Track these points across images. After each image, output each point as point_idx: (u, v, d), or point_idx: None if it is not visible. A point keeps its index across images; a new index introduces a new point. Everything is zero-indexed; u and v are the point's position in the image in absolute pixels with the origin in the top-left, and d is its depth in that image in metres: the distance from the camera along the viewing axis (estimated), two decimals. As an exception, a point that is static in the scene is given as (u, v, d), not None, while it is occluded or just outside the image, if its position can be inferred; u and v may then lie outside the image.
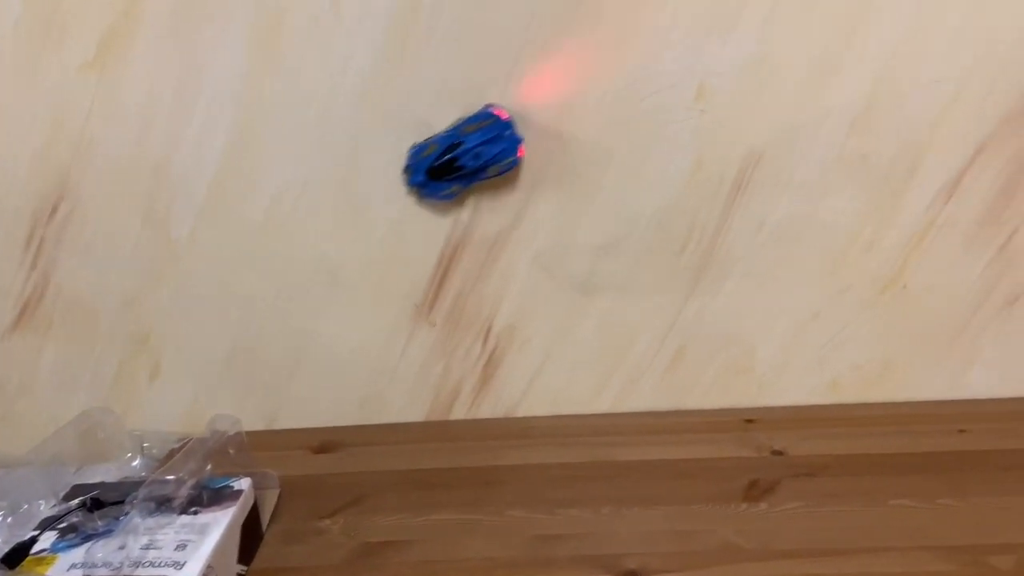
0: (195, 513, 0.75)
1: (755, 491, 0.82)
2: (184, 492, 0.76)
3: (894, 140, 0.85)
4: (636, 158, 0.88)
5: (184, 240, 0.92)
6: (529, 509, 0.83)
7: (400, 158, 0.88)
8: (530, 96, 0.85)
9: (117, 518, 0.75)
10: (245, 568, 0.76)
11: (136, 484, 0.79)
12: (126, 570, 0.68)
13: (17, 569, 0.70)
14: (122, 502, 0.77)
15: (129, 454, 0.95)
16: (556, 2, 0.80)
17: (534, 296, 0.95)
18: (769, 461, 0.88)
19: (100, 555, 0.69)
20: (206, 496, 0.78)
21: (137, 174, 0.90)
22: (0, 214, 0.91)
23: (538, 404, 1.01)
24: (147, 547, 0.71)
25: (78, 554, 0.71)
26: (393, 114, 0.86)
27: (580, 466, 0.90)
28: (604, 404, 1.01)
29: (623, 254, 0.93)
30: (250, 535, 0.78)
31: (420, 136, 0.86)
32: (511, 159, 0.85)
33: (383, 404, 1.01)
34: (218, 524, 0.73)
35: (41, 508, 0.81)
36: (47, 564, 0.70)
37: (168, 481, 0.78)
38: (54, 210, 0.91)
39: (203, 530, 0.72)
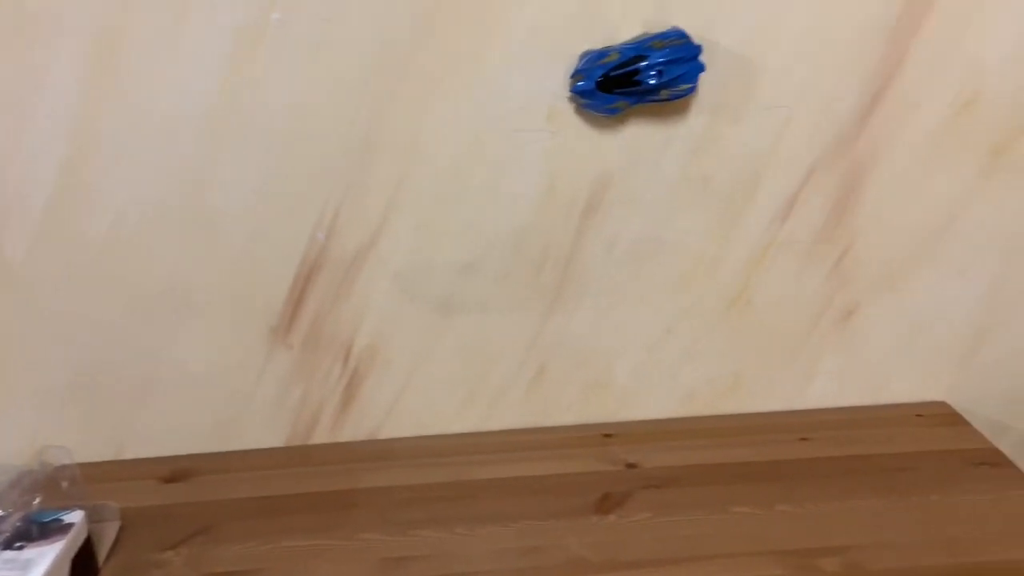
0: (20, 548, 0.71)
1: (606, 504, 0.84)
2: (8, 527, 0.72)
3: (733, 163, 0.89)
4: (491, 179, 0.89)
5: (20, 261, 0.88)
6: (382, 532, 0.82)
7: (251, 174, 0.86)
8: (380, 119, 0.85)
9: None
10: (76, 605, 0.72)
11: (-42, 520, 0.74)
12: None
13: None
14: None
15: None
16: (403, 25, 0.81)
17: (394, 317, 0.95)
18: (623, 474, 0.90)
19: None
20: (35, 530, 0.73)
21: (-34, 192, 0.85)
22: None
23: (401, 425, 1.01)
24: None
25: None
26: (242, 130, 0.84)
27: (439, 486, 0.90)
28: (468, 423, 1.01)
29: (482, 274, 0.93)
30: (83, 570, 0.74)
31: (278, 154, 0.85)
32: (688, 86, 0.83)
33: (239, 430, 0.98)
34: (44, 559, 0.69)
35: None
36: None
37: (-9, 516, 0.73)
38: None
39: (26, 566, 0.68)
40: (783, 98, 0.86)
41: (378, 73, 0.82)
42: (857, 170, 0.90)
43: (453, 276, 0.93)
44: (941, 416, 0.99)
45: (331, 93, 0.83)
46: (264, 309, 0.93)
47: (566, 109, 0.86)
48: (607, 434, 0.98)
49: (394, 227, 0.90)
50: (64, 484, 0.78)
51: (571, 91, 0.84)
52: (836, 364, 0.99)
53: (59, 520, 0.74)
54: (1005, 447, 0.96)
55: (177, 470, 0.95)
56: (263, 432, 0.98)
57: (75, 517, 0.75)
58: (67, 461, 0.80)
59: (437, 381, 0.98)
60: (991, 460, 0.90)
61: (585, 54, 0.84)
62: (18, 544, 0.71)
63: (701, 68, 0.82)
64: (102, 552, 0.78)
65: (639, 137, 0.88)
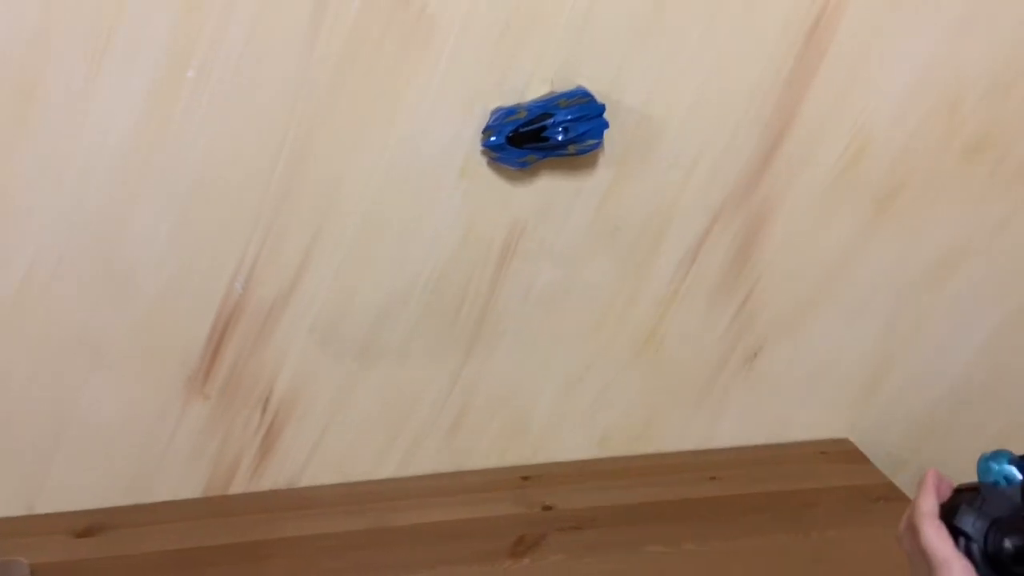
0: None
1: (521, 547, 0.86)
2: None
3: (640, 212, 0.93)
4: (408, 228, 0.91)
5: (-75, 316, 0.86)
6: (297, 582, 0.82)
7: (166, 226, 0.86)
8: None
9: None
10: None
11: None
12: None
13: None
14: None
15: None
16: (319, 79, 0.83)
17: (313, 364, 0.95)
18: (539, 517, 0.92)
19: None
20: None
21: None
22: None
23: (322, 472, 1.01)
24: None
25: None
26: (157, 182, 0.85)
27: (358, 534, 0.91)
28: (388, 469, 1.02)
29: (400, 321, 0.95)
30: (-14, 632, 0.72)
31: (194, 205, 0.86)
32: (594, 141, 0.86)
33: (154, 482, 0.97)
34: (-58, 623, 0.68)
35: None
36: None
37: None
38: None
39: (-77, 631, 0.67)
40: (685, 151, 0.91)
41: (294, 125, 0.84)
42: (757, 219, 0.95)
43: (371, 323, 0.94)
44: (843, 453, 1.04)
45: (247, 145, 0.84)
46: (180, 359, 0.93)
47: (480, 161, 0.89)
48: (525, 476, 1.00)
49: (312, 275, 0.91)
50: (-34, 543, 0.76)
51: (483, 145, 0.87)
52: (743, 404, 1.03)
53: (-39, 581, 0.73)
54: (903, 481, 1.02)
55: (91, 524, 0.93)
56: (179, 483, 0.98)
57: (-22, 577, 0.74)
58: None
59: (356, 428, 0.99)
60: (888, 495, 0.95)
61: (496, 111, 0.87)
62: (-85, 607, 0.70)
63: (605, 125, 0.86)
64: (8, 612, 0.77)
65: (550, 188, 0.91)
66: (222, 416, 0.96)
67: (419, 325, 0.95)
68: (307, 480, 1.01)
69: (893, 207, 0.96)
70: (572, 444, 1.03)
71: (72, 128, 0.81)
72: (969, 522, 0.55)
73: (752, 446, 1.04)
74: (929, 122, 0.92)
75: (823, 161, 0.93)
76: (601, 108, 0.86)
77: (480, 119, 0.87)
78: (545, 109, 0.85)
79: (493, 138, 0.86)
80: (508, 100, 0.86)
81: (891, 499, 0.94)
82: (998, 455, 0.58)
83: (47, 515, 0.96)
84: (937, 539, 0.53)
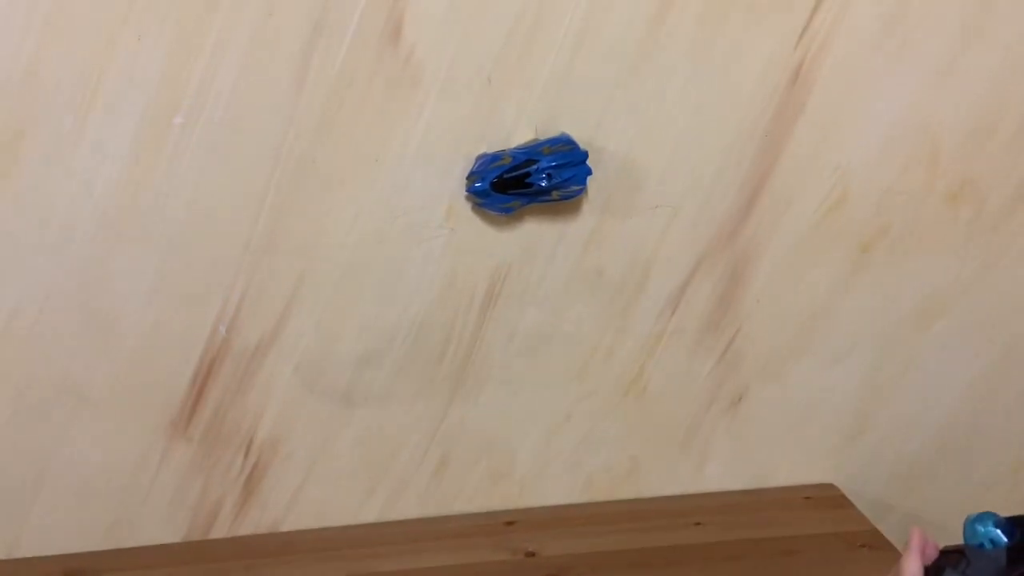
0: None
1: (503, 596, 0.85)
2: None
3: (624, 257, 0.94)
4: (392, 273, 0.91)
5: (-93, 359, 0.86)
6: (277, 630, 0.81)
7: (151, 271, 0.86)
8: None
9: None
10: None
11: None
12: None
13: None
14: None
15: None
16: (305, 126, 0.84)
17: (296, 409, 0.95)
18: (521, 564, 0.91)
19: None
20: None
21: None
22: None
23: (304, 517, 1.00)
24: None
25: None
26: (142, 228, 0.85)
27: (339, 581, 0.90)
28: (371, 514, 1.01)
29: (383, 365, 0.95)
30: None
31: (179, 250, 0.86)
32: (578, 188, 0.87)
33: (136, 526, 0.96)
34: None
35: None
36: None
37: None
38: None
39: None
40: (667, 197, 0.92)
41: (279, 170, 0.85)
42: (740, 264, 0.96)
43: (355, 368, 0.94)
44: (828, 498, 1.03)
45: (232, 191, 0.85)
46: (163, 403, 0.92)
47: (464, 207, 0.89)
48: (509, 522, 0.99)
49: (296, 320, 0.91)
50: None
51: (467, 191, 0.88)
52: (727, 449, 1.03)
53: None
54: (888, 527, 1.01)
55: (71, 569, 0.93)
56: (161, 528, 0.97)
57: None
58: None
59: (339, 473, 0.98)
60: (871, 542, 0.94)
61: (480, 157, 0.88)
62: None
63: (588, 172, 0.87)
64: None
65: (534, 233, 0.92)
66: (204, 459, 0.95)
67: (403, 369, 0.95)
68: (289, 525, 1.00)
69: (876, 252, 0.96)
70: (556, 489, 1.02)
71: (58, 173, 0.82)
72: None
73: (737, 491, 1.04)
74: (910, 168, 0.93)
75: (806, 206, 0.94)
76: (584, 155, 0.87)
77: (464, 165, 0.87)
78: (529, 155, 0.86)
79: (478, 184, 0.86)
80: (493, 146, 0.87)
81: (875, 546, 0.94)
82: (983, 517, 0.58)
83: (27, 559, 0.95)
84: (922, 602, 0.53)
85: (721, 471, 1.04)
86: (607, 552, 0.92)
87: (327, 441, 0.97)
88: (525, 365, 0.97)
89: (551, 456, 1.01)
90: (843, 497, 1.03)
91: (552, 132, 0.87)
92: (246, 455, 0.96)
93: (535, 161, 0.86)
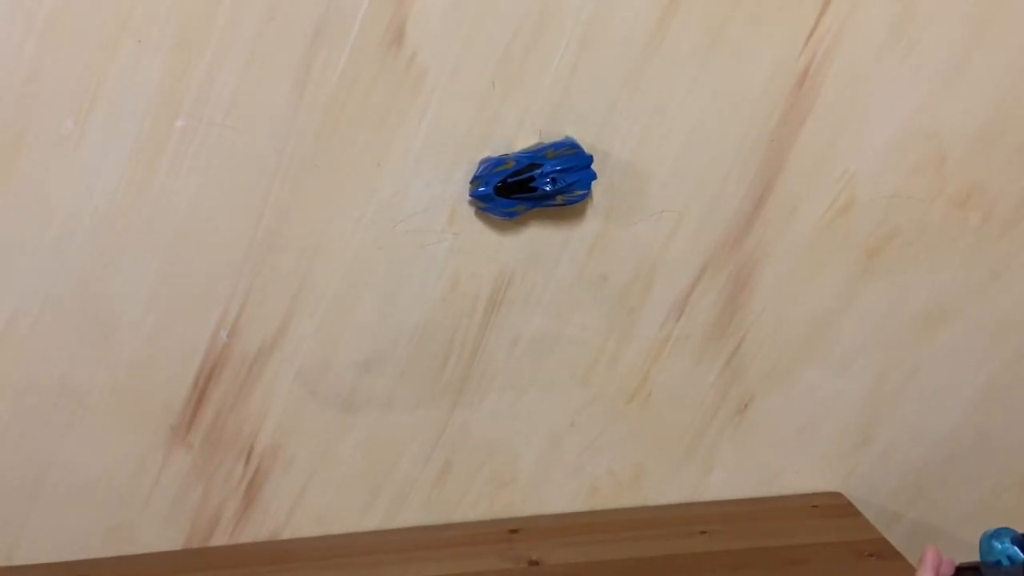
0: None
1: (506, 605, 0.84)
2: None
3: (628, 263, 0.93)
4: (395, 278, 0.91)
5: (-94, 364, 0.86)
6: (277, 640, 0.80)
7: (151, 274, 0.86)
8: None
9: None
10: None
11: None
12: None
13: None
14: None
15: None
16: (307, 129, 0.83)
17: (297, 415, 0.94)
18: (525, 572, 0.90)
19: None
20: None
21: None
22: None
23: (304, 525, 0.99)
24: None
25: None
26: (143, 231, 0.84)
27: (340, 589, 0.89)
28: (372, 522, 1.00)
29: (386, 371, 0.94)
30: None
31: (179, 254, 0.86)
32: (582, 192, 0.86)
33: (135, 533, 0.95)
34: None
35: None
36: None
37: None
38: None
39: None
40: (672, 202, 0.91)
41: (281, 174, 0.84)
42: (746, 270, 0.95)
43: (356, 373, 0.93)
44: (835, 507, 1.02)
45: (234, 195, 0.84)
46: (163, 408, 0.92)
47: (467, 211, 0.89)
48: (513, 530, 0.98)
49: (297, 325, 0.90)
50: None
51: (470, 196, 0.87)
52: (733, 456, 1.02)
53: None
54: (897, 536, 1.00)
55: (69, 576, 0.92)
56: (160, 535, 0.96)
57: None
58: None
59: (341, 479, 0.97)
60: (880, 552, 0.93)
61: (484, 161, 0.87)
62: None
63: (593, 176, 0.86)
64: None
65: (538, 238, 0.91)
66: (205, 466, 0.94)
67: (405, 375, 0.94)
68: (289, 532, 0.99)
69: (883, 258, 0.95)
70: (560, 496, 1.01)
71: (58, 176, 0.82)
72: None
73: (742, 499, 1.02)
74: (917, 173, 0.92)
75: (812, 211, 0.93)
76: (589, 159, 0.86)
77: (468, 169, 0.87)
78: (533, 159, 0.85)
79: (481, 188, 0.86)
80: (496, 150, 0.86)
81: (884, 556, 0.92)
82: (1000, 533, 0.58)
83: (25, 566, 0.95)
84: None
85: (727, 479, 1.02)
86: (611, 561, 0.91)
87: (329, 447, 0.96)
88: (529, 371, 0.96)
89: (555, 463, 1.00)
90: (850, 505, 1.02)
91: (556, 136, 0.87)
92: (247, 461, 0.95)
93: (539, 165, 0.85)
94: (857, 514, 1.01)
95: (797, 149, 0.90)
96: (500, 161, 0.86)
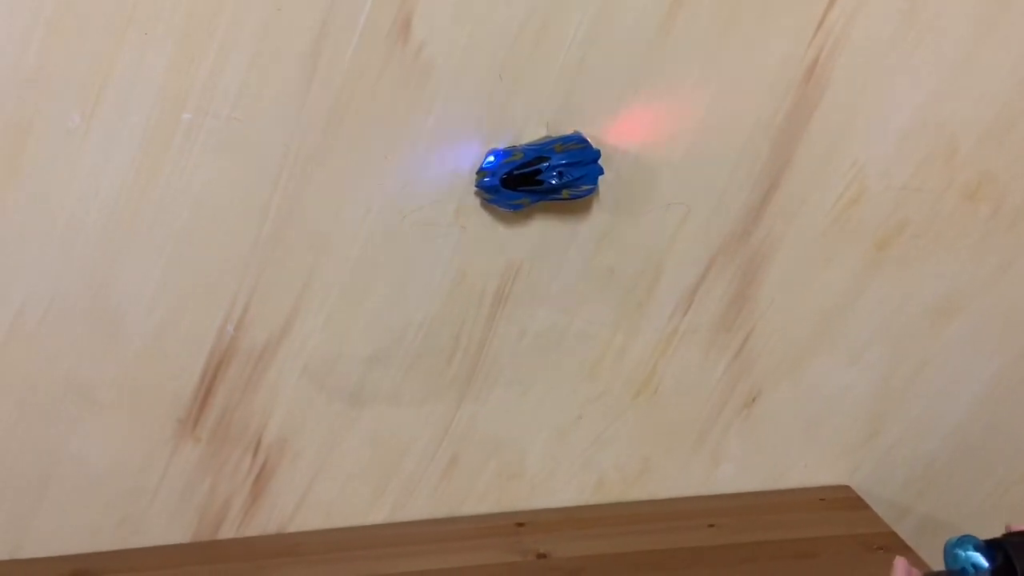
0: None
1: (514, 598, 0.84)
2: None
3: (636, 256, 0.92)
4: (402, 271, 0.90)
5: (-87, 358, 0.86)
6: (286, 633, 0.80)
7: (158, 269, 0.86)
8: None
9: None
10: None
11: None
12: None
13: None
14: None
15: None
16: (314, 122, 0.83)
17: (305, 408, 0.94)
18: (532, 566, 0.90)
19: None
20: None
21: None
22: None
23: (312, 518, 0.99)
24: None
25: None
26: (150, 225, 0.84)
27: (347, 582, 0.89)
28: (380, 515, 1.00)
29: (393, 365, 0.94)
30: None
31: (186, 248, 0.86)
32: (588, 188, 0.86)
33: (143, 526, 0.95)
34: None
35: None
36: None
37: None
38: None
39: None
40: (681, 194, 0.90)
41: (288, 169, 0.84)
42: (754, 262, 0.94)
43: (363, 367, 0.93)
44: (844, 500, 1.02)
45: (241, 189, 0.84)
46: (171, 402, 0.91)
47: (475, 204, 0.88)
48: (520, 523, 0.98)
49: (304, 319, 0.90)
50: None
51: (476, 186, 0.87)
52: (741, 449, 1.02)
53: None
54: (906, 529, 1.00)
55: (77, 569, 0.92)
56: (168, 528, 0.96)
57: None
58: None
59: (348, 473, 0.97)
60: (888, 545, 0.93)
61: (491, 152, 0.87)
62: None
63: (600, 171, 0.86)
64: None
65: (545, 231, 0.90)
66: (212, 459, 0.94)
67: (412, 368, 0.94)
68: (296, 526, 0.99)
69: (892, 250, 0.95)
70: (567, 490, 1.01)
71: (65, 171, 0.81)
72: None
73: (751, 492, 1.02)
74: (927, 164, 0.92)
75: (821, 204, 0.92)
76: (596, 154, 0.86)
77: (475, 161, 0.86)
78: (540, 153, 0.85)
79: (487, 179, 0.85)
80: (503, 143, 0.86)
81: (892, 548, 0.92)
82: (963, 541, 0.58)
83: (33, 559, 0.95)
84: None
85: (735, 472, 1.02)
86: (619, 554, 0.91)
87: (336, 441, 0.96)
88: (536, 365, 0.96)
89: (562, 457, 1.00)
90: (859, 499, 1.02)
91: (564, 128, 0.86)
92: (254, 455, 0.95)
93: (546, 159, 0.85)
94: (866, 507, 1.01)
95: (806, 141, 0.89)
96: (507, 153, 0.86)
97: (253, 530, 0.98)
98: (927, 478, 1.09)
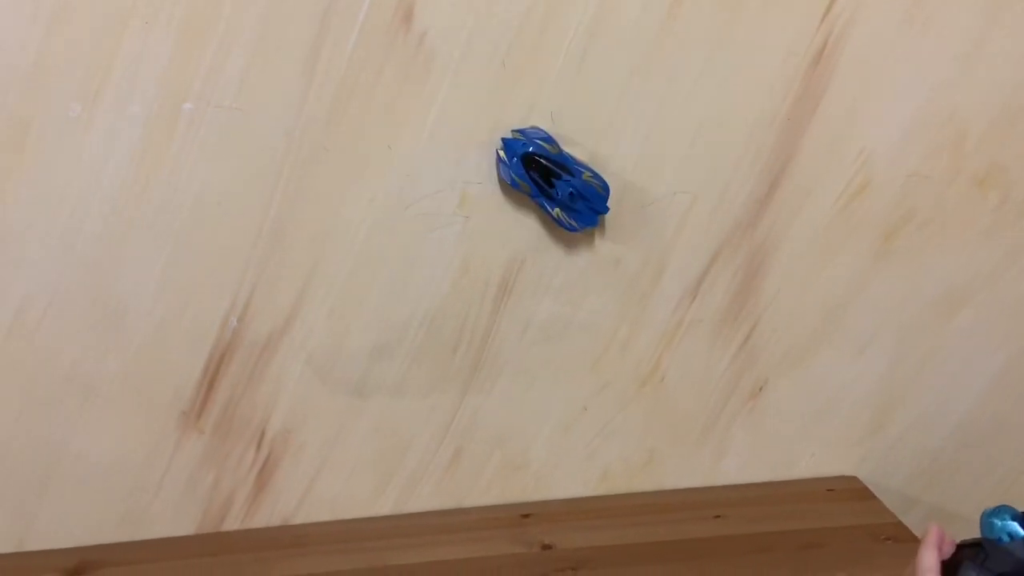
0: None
1: (519, 589, 0.84)
2: None
3: (641, 247, 0.92)
4: (405, 263, 0.90)
5: (-84, 351, 0.85)
6: (290, 625, 0.80)
7: (161, 261, 0.85)
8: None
9: None
10: None
11: None
12: None
13: None
14: None
15: None
16: (316, 113, 0.82)
17: (308, 400, 0.94)
18: (538, 556, 0.90)
19: None
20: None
21: None
22: None
23: (316, 510, 0.99)
24: None
25: None
26: (152, 217, 0.83)
27: (353, 574, 0.89)
28: (384, 507, 1.00)
29: (396, 357, 0.94)
30: None
31: (189, 241, 0.85)
32: (574, 224, 0.86)
33: (147, 519, 0.95)
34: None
35: None
36: None
37: None
38: None
39: None
40: (686, 185, 0.90)
41: (291, 159, 0.83)
42: (760, 253, 0.94)
43: (367, 359, 0.93)
44: (851, 491, 1.02)
45: (244, 180, 0.83)
46: (174, 395, 0.91)
47: (479, 194, 0.88)
48: (525, 514, 0.98)
49: (308, 311, 0.90)
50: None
51: (503, 140, 0.85)
52: (747, 440, 1.01)
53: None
54: (913, 520, 0.99)
55: (82, 562, 0.92)
56: (172, 521, 0.96)
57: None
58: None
59: (352, 465, 0.97)
60: (896, 535, 0.92)
61: (536, 128, 0.85)
62: None
63: (594, 223, 0.87)
64: (-9, 657, 0.75)
65: (549, 222, 0.90)
66: (216, 452, 0.94)
67: (416, 360, 0.94)
68: (301, 518, 0.99)
69: (898, 241, 0.94)
70: (572, 481, 1.01)
71: (66, 162, 0.81)
72: None
73: (757, 483, 1.02)
74: (936, 152, 0.91)
75: (827, 195, 0.91)
76: (604, 207, 0.86)
77: (480, 150, 0.86)
78: (572, 166, 0.84)
79: (520, 141, 0.84)
80: (503, 135, 0.85)
81: (900, 539, 0.92)
82: (1000, 511, 0.59)
83: (37, 552, 0.95)
84: (939, 595, 0.53)
85: (741, 463, 1.02)
86: (624, 545, 0.90)
87: (340, 433, 0.96)
88: (540, 356, 0.95)
89: (567, 448, 0.99)
90: (866, 489, 1.02)
91: (568, 120, 0.85)
92: (258, 447, 0.95)
93: (572, 175, 0.84)
94: (873, 498, 1.00)
95: (812, 130, 0.89)
96: (548, 139, 0.85)
97: (257, 523, 0.98)
98: (934, 469, 1.08)
